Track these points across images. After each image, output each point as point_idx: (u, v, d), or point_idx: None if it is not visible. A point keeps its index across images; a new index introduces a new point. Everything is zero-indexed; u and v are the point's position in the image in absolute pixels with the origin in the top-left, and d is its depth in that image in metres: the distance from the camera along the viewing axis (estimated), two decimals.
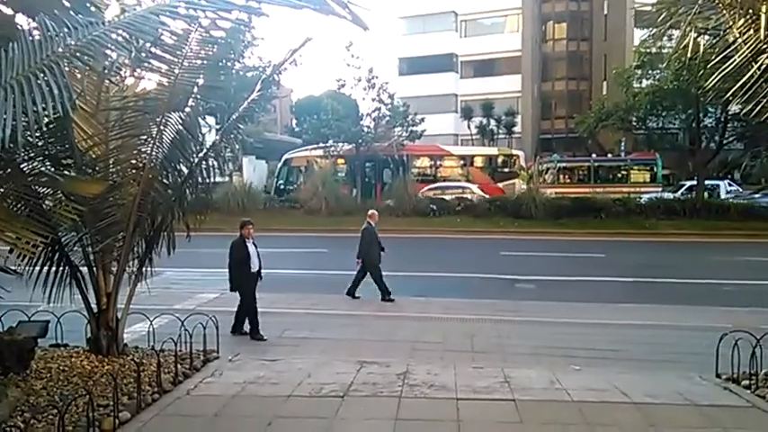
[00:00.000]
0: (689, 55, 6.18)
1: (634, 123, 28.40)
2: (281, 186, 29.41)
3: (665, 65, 23.06)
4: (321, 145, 28.71)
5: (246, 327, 8.96)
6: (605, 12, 46.76)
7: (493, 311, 10.39)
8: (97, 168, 6.81)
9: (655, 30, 8.09)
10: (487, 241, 20.74)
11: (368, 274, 11.61)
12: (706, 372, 6.90)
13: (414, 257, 17.09)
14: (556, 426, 5.49)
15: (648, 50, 25.00)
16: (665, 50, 22.15)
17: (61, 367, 6.60)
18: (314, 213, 24.92)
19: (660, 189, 28.77)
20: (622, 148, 34.65)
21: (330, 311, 10.42)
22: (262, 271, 9.27)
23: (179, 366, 6.73)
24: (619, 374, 6.96)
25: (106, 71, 5.09)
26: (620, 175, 31.56)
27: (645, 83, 26.67)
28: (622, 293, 12.07)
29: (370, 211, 12.63)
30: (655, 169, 30.34)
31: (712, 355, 6.86)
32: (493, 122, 43.30)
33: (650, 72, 26.21)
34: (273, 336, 8.79)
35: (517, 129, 44.91)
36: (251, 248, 9.10)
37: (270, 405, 5.91)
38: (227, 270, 9.09)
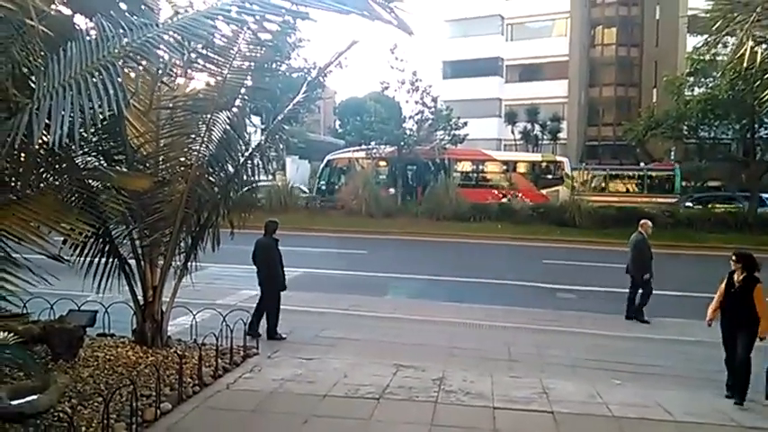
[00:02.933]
0: (745, 64, 5.95)
1: (685, 132, 27.55)
2: (323, 187, 29.66)
3: (719, 73, 22.29)
4: (363, 147, 28.84)
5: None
6: (657, 17, 45.48)
7: (532, 320, 10.25)
8: (147, 165, 7.04)
9: (709, 37, 7.85)
10: (529, 249, 20.45)
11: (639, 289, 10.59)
12: (752, 392, 6.63)
13: (452, 263, 17.02)
14: None
15: (702, 58, 24.24)
16: (720, 58, 21.47)
17: (107, 356, 6.82)
18: (354, 215, 25.03)
19: (676, 200, 27.95)
20: (672, 157, 33.63)
21: (368, 313, 10.45)
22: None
23: (219, 361, 6.87)
24: (661, 391, 6.77)
25: (159, 72, 5.24)
26: (636, 185, 30.65)
27: (697, 91, 25.85)
28: (666, 307, 11.68)
29: (642, 221, 11.26)
30: (673, 179, 29.44)
31: (760, 375, 6.60)
32: (537, 128, 42.66)
33: (703, 80, 25.40)
34: (311, 335, 8.87)
35: (562, 135, 44.06)
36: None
37: (306, 403, 5.97)
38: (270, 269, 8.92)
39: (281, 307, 8.81)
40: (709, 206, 26.08)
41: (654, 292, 10.62)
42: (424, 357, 7.77)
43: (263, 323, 8.67)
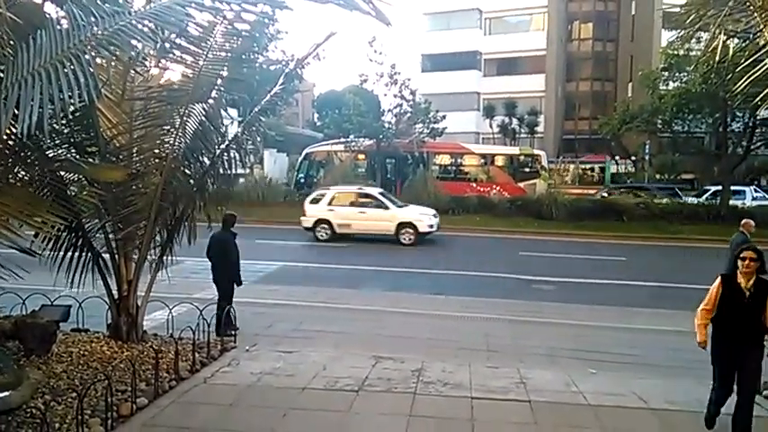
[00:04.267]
0: (717, 58, 6.04)
1: (659, 126, 27.95)
2: (302, 180, 29.48)
3: (692, 67, 22.63)
4: (342, 140, 28.72)
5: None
6: (633, 12, 45.98)
7: (510, 311, 10.33)
8: (121, 157, 6.93)
9: (683, 31, 7.94)
10: (507, 241, 20.61)
11: None
12: None
13: (430, 255, 17.07)
14: (571, 429, 5.46)
15: (676, 52, 24.56)
16: (693, 53, 21.77)
17: (82, 352, 6.73)
18: None
19: (605, 190, 29.86)
20: (647, 151, 34.10)
21: (346, 306, 10.43)
22: None
23: (196, 355, 6.81)
24: (637, 379, 6.88)
25: (132, 61, 5.14)
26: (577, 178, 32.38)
27: (671, 85, 26.21)
28: (643, 297, 11.91)
29: (744, 221, 10.57)
30: (603, 172, 30.58)
31: None
32: (515, 121, 42.94)
33: (677, 74, 25.73)
34: (289, 328, 8.83)
35: (540, 129, 44.45)
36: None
37: (285, 397, 5.95)
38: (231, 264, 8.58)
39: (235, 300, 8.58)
40: (620, 194, 27.44)
41: (633, 282, 10.70)
42: (403, 349, 7.78)
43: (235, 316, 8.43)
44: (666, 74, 26.68)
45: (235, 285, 8.55)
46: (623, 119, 28.57)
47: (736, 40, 6.00)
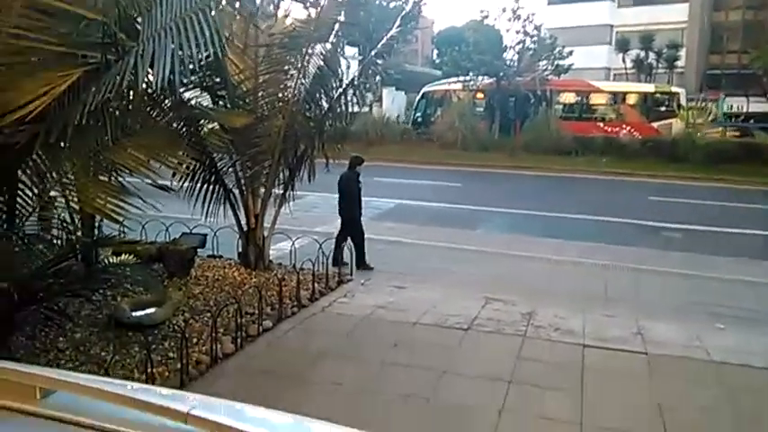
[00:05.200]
0: None
1: None
2: (419, 119, 29.38)
3: None
4: (461, 78, 28.06)
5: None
6: None
7: (633, 259, 9.79)
8: (247, 101, 7.32)
9: None
10: (636, 184, 19.41)
11: None
12: None
13: (551, 198, 16.51)
14: (689, 384, 5.22)
15: None
16: None
17: (216, 276, 7.43)
18: (449, 147, 24.71)
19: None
20: None
21: (461, 246, 10.45)
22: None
23: (316, 285, 7.26)
24: None
25: (256, 12, 5.34)
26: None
27: None
28: None
29: None
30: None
31: None
32: (652, 56, 39.33)
33: None
34: (404, 265, 9.05)
35: (680, 63, 40.44)
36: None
37: (396, 330, 6.20)
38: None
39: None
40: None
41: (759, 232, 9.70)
42: (516, 292, 7.70)
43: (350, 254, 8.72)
44: None
45: (358, 220, 8.80)
46: None
47: None
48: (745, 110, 34.28)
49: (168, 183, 5.85)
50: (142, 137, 5.05)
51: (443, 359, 5.51)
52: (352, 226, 8.72)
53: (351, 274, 8.10)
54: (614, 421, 4.52)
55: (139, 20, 4.34)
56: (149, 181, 4.84)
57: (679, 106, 26.52)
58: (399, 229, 11.24)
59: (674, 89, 28.74)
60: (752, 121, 29.76)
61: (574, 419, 4.46)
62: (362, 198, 8.97)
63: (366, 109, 25.49)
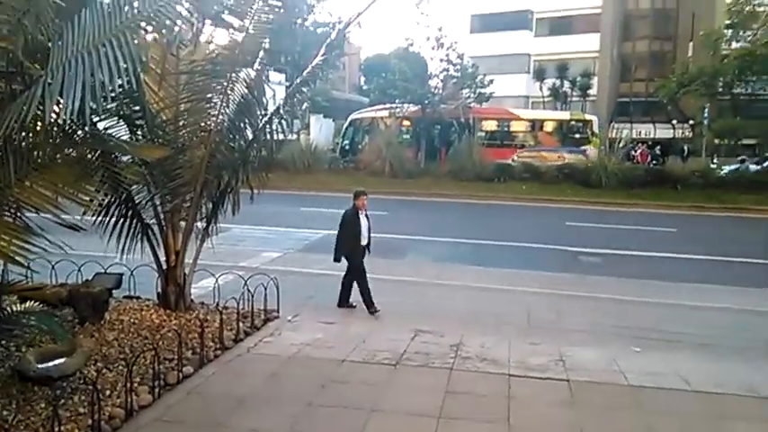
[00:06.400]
0: None
1: (719, 89, 26.57)
2: (347, 147, 29.53)
3: (759, 25, 21.30)
4: (387, 105, 28.50)
5: (353, 300, 8.60)
6: None
7: (553, 285, 10.17)
8: (167, 131, 7.05)
9: None
10: (554, 210, 20.24)
11: None
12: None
13: (475, 225, 16.93)
14: (609, 410, 5.39)
15: (742, 9, 23.11)
16: (762, 8, 20.47)
17: (132, 320, 7.02)
18: (377, 175, 24.92)
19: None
20: (705, 115, 32.57)
21: (387, 276, 10.44)
22: (370, 244, 8.66)
23: (241, 324, 7.01)
24: (682, 360, 6.71)
25: (173, 39, 5.18)
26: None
27: (735, 45, 24.77)
28: (693, 272, 11.53)
29: None
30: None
31: None
32: (567, 84, 41.54)
33: (741, 34, 24.27)
34: (331, 298, 8.93)
35: (592, 91, 42.91)
36: (363, 221, 8.51)
37: (324, 368, 6.07)
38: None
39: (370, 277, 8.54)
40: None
41: (683, 256, 10.40)
42: (444, 322, 7.78)
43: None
44: (730, 33, 25.20)
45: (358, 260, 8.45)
46: (681, 81, 27.32)
47: None
48: (652, 136, 36.74)
49: (80, 219, 5.53)
50: (50, 172, 4.75)
51: (372, 397, 5.43)
52: (351, 266, 8.45)
53: (277, 311, 7.89)
54: None
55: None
56: (55, 221, 4.53)
57: (593, 133, 28.04)
58: (327, 261, 11.06)
59: (587, 116, 30.38)
60: (657, 147, 31.96)
61: None
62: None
63: (293, 137, 25.33)
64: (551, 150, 27.15)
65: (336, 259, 8.49)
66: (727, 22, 25.62)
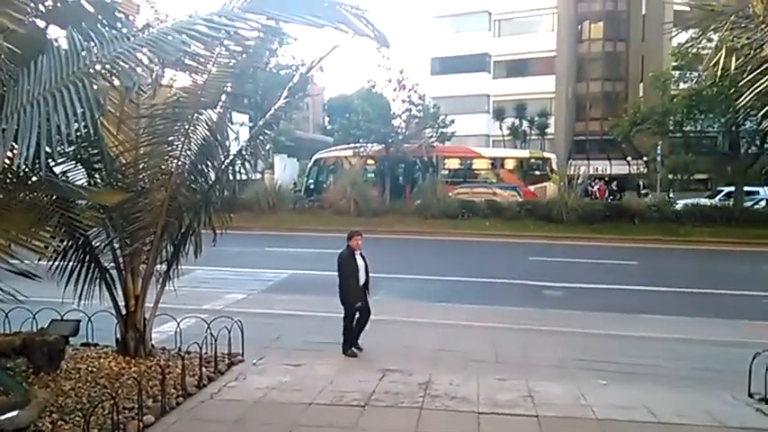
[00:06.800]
0: (722, 67, 5.93)
1: (670, 127, 27.72)
2: (312, 186, 29.57)
3: (703, 68, 22.41)
4: (351, 145, 28.78)
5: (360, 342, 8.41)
6: (643, 12, 45.66)
7: (519, 320, 10.25)
8: (126, 174, 6.95)
9: (693, 32, 7.79)
10: (516, 246, 20.51)
11: None
12: (739, 391, 6.68)
13: (440, 261, 17.02)
14: None
15: (687, 52, 24.32)
16: (705, 51, 21.55)
17: (90, 368, 6.77)
18: (342, 214, 24.93)
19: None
20: (658, 151, 33.85)
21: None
22: (369, 284, 8.52)
23: (204, 369, 6.82)
24: (647, 391, 6.79)
25: (132, 86, 5.17)
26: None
27: (683, 86, 25.99)
28: (653, 304, 11.79)
29: None
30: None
31: (746, 373, 6.64)
32: (525, 124, 42.78)
33: (688, 75, 25.51)
34: (297, 340, 8.83)
35: (550, 130, 44.30)
36: (359, 261, 8.33)
37: (291, 412, 5.94)
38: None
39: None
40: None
41: (644, 288, 10.63)
42: (412, 360, 7.75)
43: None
44: (677, 74, 26.46)
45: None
46: (634, 120, 28.39)
47: (744, 41, 5.87)
48: (608, 172, 37.91)
49: (35, 265, 5.36)
50: (3, 219, 4.62)
51: None
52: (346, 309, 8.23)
53: (242, 354, 7.72)
54: None
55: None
56: (7, 268, 4.39)
57: (552, 170, 28.80)
58: (293, 301, 10.99)
59: (546, 154, 31.24)
60: (614, 183, 32.97)
61: None
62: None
63: (257, 176, 25.27)
64: (485, 186, 27.78)
65: (352, 304, 8.19)
66: (674, 64, 26.94)
